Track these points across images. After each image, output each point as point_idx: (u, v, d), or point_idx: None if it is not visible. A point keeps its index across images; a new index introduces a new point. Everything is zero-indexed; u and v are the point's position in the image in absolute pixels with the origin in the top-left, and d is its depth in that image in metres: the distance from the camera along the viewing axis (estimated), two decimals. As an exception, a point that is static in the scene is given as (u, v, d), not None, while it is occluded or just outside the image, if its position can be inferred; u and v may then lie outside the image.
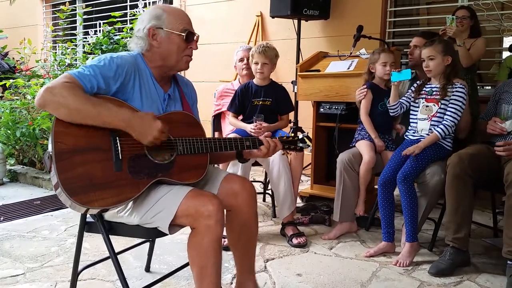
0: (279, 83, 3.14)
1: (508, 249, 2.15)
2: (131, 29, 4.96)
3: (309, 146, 1.93)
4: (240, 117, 3.04)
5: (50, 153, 1.49)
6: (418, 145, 2.50)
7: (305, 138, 1.94)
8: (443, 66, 2.53)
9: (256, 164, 3.02)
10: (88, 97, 1.54)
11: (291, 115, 3.25)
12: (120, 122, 1.55)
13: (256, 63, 2.92)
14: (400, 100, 2.71)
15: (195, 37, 1.77)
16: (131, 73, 1.68)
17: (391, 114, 2.77)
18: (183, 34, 1.73)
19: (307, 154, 3.41)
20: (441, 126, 2.51)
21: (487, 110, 2.69)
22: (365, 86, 2.86)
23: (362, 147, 2.79)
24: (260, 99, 2.96)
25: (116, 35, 4.93)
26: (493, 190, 2.71)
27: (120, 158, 1.55)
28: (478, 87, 3.43)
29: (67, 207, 1.57)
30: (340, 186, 2.80)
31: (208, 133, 2.39)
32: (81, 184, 1.48)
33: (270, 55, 2.91)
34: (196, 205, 1.55)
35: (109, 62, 1.64)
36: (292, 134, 1.96)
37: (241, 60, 3.27)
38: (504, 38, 3.86)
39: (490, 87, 3.81)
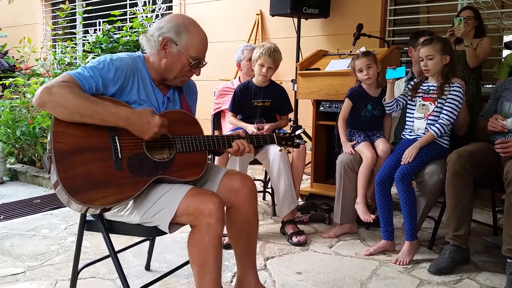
0: (279, 83, 3.14)
1: (508, 247, 2.15)
2: (131, 27, 4.96)
3: (306, 142, 1.94)
4: (239, 117, 3.03)
5: (50, 154, 1.49)
6: (414, 145, 2.50)
7: (301, 134, 1.95)
8: (442, 65, 2.53)
9: (256, 162, 3.02)
10: (86, 96, 1.54)
11: (291, 114, 3.25)
12: (118, 120, 1.55)
13: (262, 65, 2.87)
14: (397, 97, 2.71)
15: (202, 66, 1.79)
16: (130, 76, 1.69)
17: (387, 112, 2.76)
18: (192, 61, 1.74)
19: (308, 152, 3.41)
20: (437, 125, 2.51)
21: (486, 108, 2.69)
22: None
23: (361, 148, 2.76)
24: (259, 100, 2.95)
25: (116, 33, 4.93)
26: (493, 188, 2.71)
27: (120, 157, 1.56)
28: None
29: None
30: (340, 188, 2.80)
31: (208, 131, 2.39)
32: (81, 183, 1.48)
33: (277, 60, 2.90)
34: (196, 204, 1.55)
35: (109, 64, 1.64)
36: (289, 131, 1.96)
37: (249, 60, 3.24)
38: (504, 36, 3.86)
39: (490, 85, 3.81)
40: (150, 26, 1.88)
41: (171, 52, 1.72)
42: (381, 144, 2.75)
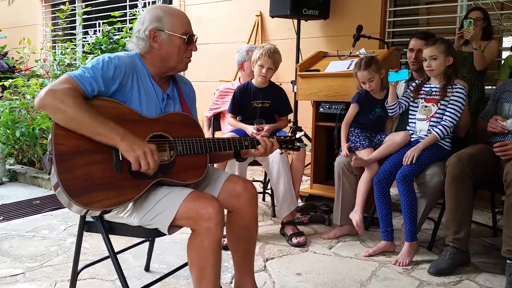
0: (278, 84, 3.14)
1: (508, 248, 2.15)
2: (131, 29, 4.95)
3: (307, 145, 1.94)
4: (239, 118, 3.03)
5: (50, 155, 1.49)
6: (417, 146, 2.50)
7: (302, 137, 1.94)
8: (445, 66, 2.53)
9: (255, 163, 3.02)
10: (87, 108, 1.52)
11: (291, 115, 3.25)
12: (115, 135, 1.52)
13: (261, 66, 2.88)
14: (399, 99, 2.71)
15: (194, 39, 1.78)
16: (129, 73, 1.69)
17: (390, 114, 2.76)
18: (184, 37, 1.74)
19: (308, 153, 3.41)
20: (440, 127, 2.51)
21: (486, 109, 2.69)
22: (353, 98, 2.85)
23: (364, 155, 2.69)
24: (259, 101, 2.95)
25: (115, 35, 4.93)
26: (492, 189, 2.71)
27: (121, 159, 1.55)
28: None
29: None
30: (339, 189, 2.79)
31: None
32: (82, 185, 1.48)
33: (277, 61, 2.90)
34: (196, 208, 1.55)
35: (108, 63, 1.64)
36: (290, 134, 1.96)
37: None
38: (504, 38, 3.86)
39: (489, 87, 3.81)
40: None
41: (163, 39, 1.72)
42: (398, 136, 2.68)
